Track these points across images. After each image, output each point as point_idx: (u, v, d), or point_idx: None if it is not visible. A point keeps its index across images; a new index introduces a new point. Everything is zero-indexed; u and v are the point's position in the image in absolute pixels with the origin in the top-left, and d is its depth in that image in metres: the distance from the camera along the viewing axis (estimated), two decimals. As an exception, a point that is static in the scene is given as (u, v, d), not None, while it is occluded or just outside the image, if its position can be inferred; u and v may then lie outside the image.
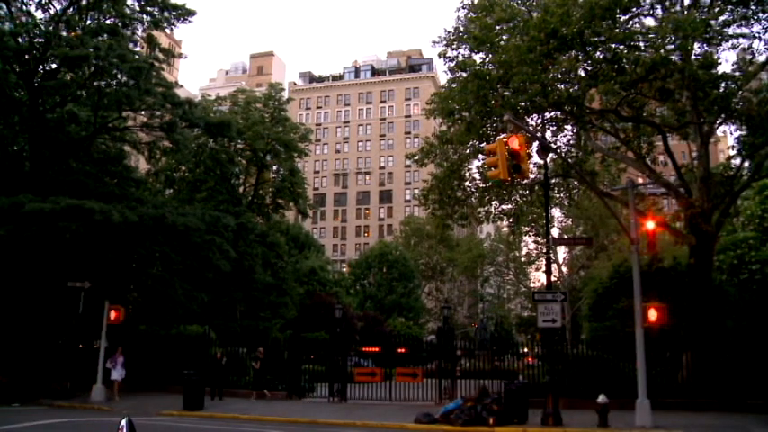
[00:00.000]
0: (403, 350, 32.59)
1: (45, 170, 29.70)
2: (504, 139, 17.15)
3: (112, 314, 25.35)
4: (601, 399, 18.55)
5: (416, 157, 29.64)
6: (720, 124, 24.75)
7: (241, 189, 49.98)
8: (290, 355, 29.57)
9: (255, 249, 43.40)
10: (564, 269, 59.85)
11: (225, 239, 32.64)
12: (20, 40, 28.75)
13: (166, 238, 29.89)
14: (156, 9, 33.28)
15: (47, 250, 26.59)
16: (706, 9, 22.27)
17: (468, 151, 27.08)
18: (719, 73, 21.65)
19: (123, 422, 1.93)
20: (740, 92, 22.31)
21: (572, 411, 20.91)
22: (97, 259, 28.07)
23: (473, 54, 25.15)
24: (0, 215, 25.18)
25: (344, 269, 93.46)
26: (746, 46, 22.48)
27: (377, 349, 35.20)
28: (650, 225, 20.24)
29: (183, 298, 31.85)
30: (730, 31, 21.93)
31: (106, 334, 25.42)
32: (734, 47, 22.48)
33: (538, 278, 73.95)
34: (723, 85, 21.62)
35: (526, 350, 32.16)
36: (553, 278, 24.15)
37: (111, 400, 24.58)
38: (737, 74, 22.69)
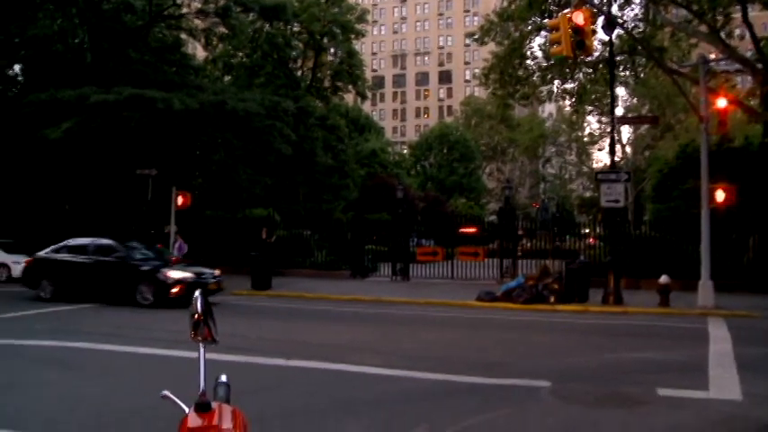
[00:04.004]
0: (465, 230, 32.78)
1: (105, 62, 29.99)
2: (568, 14, 16.40)
3: (180, 200, 26.02)
4: (663, 279, 18.48)
5: (476, 36, 28.75)
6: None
7: (299, 73, 49.69)
8: (352, 236, 30.08)
9: (315, 132, 43.58)
10: (628, 149, 58.57)
11: (285, 123, 32.79)
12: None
13: (227, 124, 30.18)
14: None
15: (114, 140, 27.23)
16: None
17: (529, 28, 26.11)
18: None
19: (197, 293, 2.04)
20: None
21: (633, 291, 20.94)
22: (162, 147, 28.67)
23: None
24: (67, 108, 25.75)
25: (405, 151, 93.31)
26: None
27: (436, 233, 35.55)
28: (722, 103, 19.36)
29: (247, 182, 32.47)
30: None
31: (175, 219, 26.21)
32: None
33: (600, 158, 72.76)
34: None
35: (587, 231, 31.99)
36: (617, 158, 23.57)
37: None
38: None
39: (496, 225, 31.66)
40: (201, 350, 2.13)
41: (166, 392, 2.16)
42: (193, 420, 1.84)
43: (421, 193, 62.21)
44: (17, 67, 33.27)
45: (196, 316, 2.14)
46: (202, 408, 1.87)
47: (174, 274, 17.76)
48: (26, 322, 14.50)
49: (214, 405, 1.93)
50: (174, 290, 17.34)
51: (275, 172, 37.33)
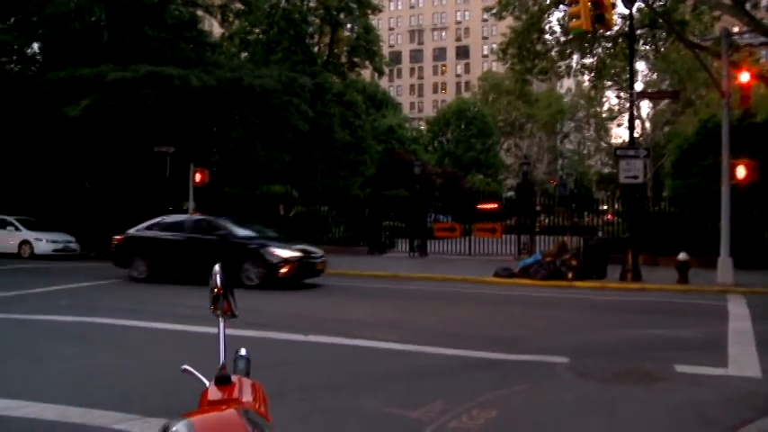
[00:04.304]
0: (482, 206, 32.75)
1: (122, 39, 30.01)
2: (587, -12, 16.19)
3: (197, 176, 26.13)
4: (681, 256, 18.37)
5: (494, 10, 28.41)
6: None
7: (316, 49, 49.47)
8: (370, 212, 30.15)
9: (333, 109, 43.50)
10: (647, 125, 57.97)
11: (302, 100, 32.75)
12: None
13: (245, 100, 30.20)
14: None
15: (132, 118, 27.35)
16: None
17: (548, 2, 25.77)
18: None
19: (216, 267, 2.06)
20: None
21: (651, 268, 20.85)
22: (180, 124, 28.76)
23: None
24: (85, 85, 25.87)
25: (422, 127, 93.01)
26: None
27: (453, 209, 35.53)
28: (744, 77, 19.04)
29: (265, 159, 32.53)
30: None
31: (193, 196, 26.35)
32: None
33: (619, 134, 72.15)
34: None
35: (606, 207, 31.85)
36: (636, 134, 23.36)
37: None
38: None
39: (514, 201, 31.58)
40: (221, 324, 2.15)
41: (187, 366, 2.19)
42: (214, 393, 1.87)
43: (438, 169, 62.08)
44: (35, 46, 33.37)
45: (216, 290, 2.16)
46: (222, 381, 1.90)
47: (283, 252, 16.78)
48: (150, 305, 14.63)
49: (234, 378, 1.95)
50: (283, 270, 16.49)
51: (293, 148, 37.36)
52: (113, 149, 28.80)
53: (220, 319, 2.17)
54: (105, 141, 28.36)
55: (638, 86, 49.98)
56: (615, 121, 64.63)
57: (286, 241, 18.40)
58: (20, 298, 14.54)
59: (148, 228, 18.70)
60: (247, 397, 1.88)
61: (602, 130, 70.89)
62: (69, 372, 7.98)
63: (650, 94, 41.12)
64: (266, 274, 16.44)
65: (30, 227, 26.18)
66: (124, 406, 6.35)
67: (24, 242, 25.54)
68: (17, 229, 25.88)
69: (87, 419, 5.99)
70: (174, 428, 1.36)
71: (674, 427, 6.08)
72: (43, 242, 25.56)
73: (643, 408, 6.69)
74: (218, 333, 2.13)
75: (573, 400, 6.90)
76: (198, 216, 19.41)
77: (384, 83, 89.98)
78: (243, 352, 2.28)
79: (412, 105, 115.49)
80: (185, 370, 2.19)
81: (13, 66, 32.87)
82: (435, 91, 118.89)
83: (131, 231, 18.95)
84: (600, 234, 24.14)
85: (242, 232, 17.87)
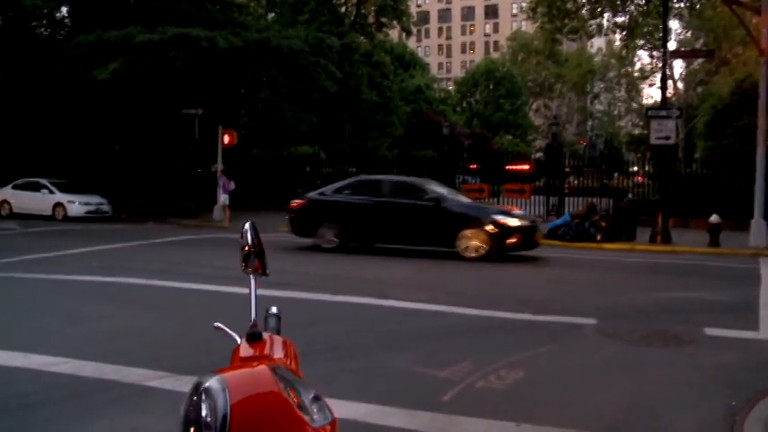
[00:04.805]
0: (512, 167, 32.53)
1: (149, 1, 29.97)
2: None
3: (226, 138, 26.24)
4: (713, 218, 18.14)
5: (524, -32, 27.95)
6: None
7: (343, 9, 49.03)
8: (398, 172, 30.10)
9: (360, 69, 43.26)
10: (680, 85, 56.84)
11: (330, 60, 32.60)
12: None
13: (272, 62, 30.12)
14: None
15: (160, 80, 27.45)
16: None
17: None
18: None
19: (247, 225, 2.08)
20: None
21: (682, 230, 20.65)
22: (208, 86, 28.82)
23: None
24: (113, 48, 25.96)
25: (450, 87, 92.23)
26: None
27: (476, 166, 35.36)
28: (785, 34, 18.55)
29: (292, 120, 32.56)
30: None
31: (221, 158, 26.49)
32: None
33: (651, 95, 71.14)
34: None
35: (636, 168, 31.46)
36: (668, 94, 22.95)
37: (231, 219, 25.96)
38: None
39: (543, 162, 31.34)
40: (252, 282, 2.18)
41: (219, 324, 2.23)
42: (245, 350, 1.90)
43: (467, 130, 61.70)
44: (64, 10, 33.50)
45: (247, 248, 2.18)
46: (254, 338, 1.93)
47: (511, 220, 15.02)
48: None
49: (265, 336, 1.98)
50: (512, 240, 14.79)
51: (320, 109, 37.32)
52: (142, 112, 29.00)
53: (251, 276, 2.19)
54: (134, 104, 28.54)
55: (672, 45, 49.07)
56: (647, 81, 63.45)
57: (501, 210, 16.77)
58: (55, 259, 14.82)
59: (337, 191, 16.93)
60: (278, 354, 1.91)
61: (634, 90, 69.74)
62: (104, 330, 8.15)
63: (684, 53, 40.20)
64: (492, 245, 14.73)
65: (63, 189, 26.54)
66: (157, 364, 6.48)
67: (58, 204, 25.92)
68: (51, 191, 26.25)
69: (122, 376, 6.14)
70: (206, 384, 1.39)
71: (701, 390, 6.07)
72: (76, 204, 25.92)
73: (671, 370, 6.69)
74: (250, 291, 2.15)
75: (600, 362, 6.91)
76: (398, 177, 18.38)
77: (412, 43, 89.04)
78: (273, 310, 2.31)
79: (440, 66, 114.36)
80: (217, 327, 2.22)
81: (42, 30, 33.09)
82: (464, 51, 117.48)
83: (312, 195, 17.49)
84: (630, 196, 23.89)
85: (453, 196, 16.27)
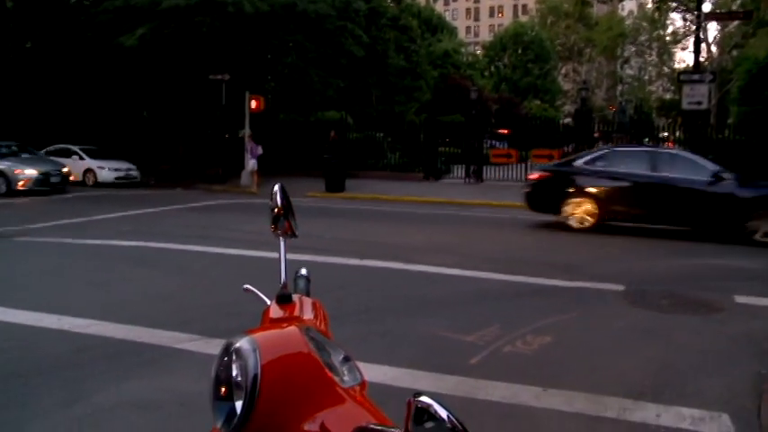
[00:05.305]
0: (539, 132, 32.22)
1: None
2: None
3: (253, 103, 26.25)
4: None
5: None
6: None
7: (370, -28, 48.51)
8: (425, 138, 29.97)
9: (387, 34, 42.89)
10: (714, 49, 55.51)
11: (357, 25, 32.36)
12: None
13: (298, 26, 29.94)
14: None
15: (186, 46, 27.41)
16: None
17: None
18: None
19: (276, 187, 2.08)
20: None
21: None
22: (234, 52, 28.75)
23: None
24: (140, 14, 25.96)
25: (478, 51, 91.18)
26: None
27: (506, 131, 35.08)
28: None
29: (319, 85, 32.43)
30: None
31: (249, 123, 26.53)
32: None
33: (683, 59, 69.84)
34: None
35: (666, 134, 30.95)
36: (701, 58, 22.46)
37: (259, 185, 26.05)
38: None
39: (572, 127, 30.99)
40: (282, 244, 2.18)
41: (248, 286, 2.24)
42: (275, 311, 1.90)
43: (494, 95, 61.13)
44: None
45: (276, 210, 2.17)
46: (284, 299, 1.93)
47: None
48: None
49: (295, 297, 1.98)
50: None
51: (347, 74, 37.12)
52: (170, 78, 29.06)
53: (281, 238, 2.20)
54: (161, 70, 28.60)
55: (706, 7, 47.82)
56: (679, 45, 62.02)
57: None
58: (86, 224, 15.04)
59: (589, 162, 14.85)
60: (308, 315, 1.92)
61: (665, 54, 68.37)
62: (134, 293, 8.28)
63: (720, 15, 39.23)
64: None
65: (93, 156, 26.81)
66: (186, 326, 6.58)
67: (88, 170, 26.20)
68: (81, 158, 26.52)
69: (152, 339, 6.24)
70: (236, 345, 1.40)
71: (730, 358, 6.02)
72: (106, 170, 26.19)
73: (699, 337, 6.64)
74: (280, 253, 2.16)
75: (628, 328, 6.89)
76: (668, 149, 17.11)
77: (439, 7, 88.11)
78: (303, 271, 2.31)
79: (468, 30, 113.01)
80: (247, 289, 2.24)
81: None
82: (492, 15, 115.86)
83: (550, 166, 16.24)
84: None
85: (729, 174, 13.54)
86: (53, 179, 22.67)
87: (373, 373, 4.68)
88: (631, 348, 6.24)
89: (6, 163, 22.37)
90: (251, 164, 25.23)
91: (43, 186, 22.17)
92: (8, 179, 21.92)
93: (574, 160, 15.45)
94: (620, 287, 8.54)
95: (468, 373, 5.38)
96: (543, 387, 5.07)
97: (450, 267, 9.82)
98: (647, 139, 29.15)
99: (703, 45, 44.93)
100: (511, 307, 7.71)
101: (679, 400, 4.87)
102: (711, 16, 28.23)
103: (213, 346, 5.66)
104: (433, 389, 4.97)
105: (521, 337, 6.37)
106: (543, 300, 8.05)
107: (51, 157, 25.08)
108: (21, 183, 21.86)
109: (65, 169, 23.57)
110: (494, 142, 33.86)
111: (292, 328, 1.52)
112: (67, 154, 26.54)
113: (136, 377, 5.30)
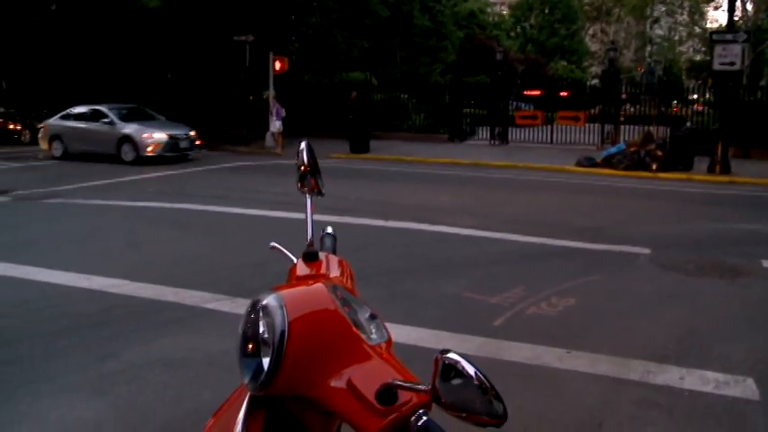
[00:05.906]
0: (565, 94, 31.83)
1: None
2: None
3: (277, 65, 26.14)
4: (777, 145, 17.52)
5: None
6: None
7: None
8: (450, 99, 29.73)
9: (413, -7, 42.36)
10: (749, 7, 54.10)
11: (381, -17, 32.03)
12: None
13: (322, -15, 29.75)
14: None
15: (210, 7, 27.29)
16: None
17: None
18: None
19: (303, 145, 2.08)
20: None
21: (743, 161, 19.99)
22: (258, 12, 28.56)
23: None
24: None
25: (504, 12, 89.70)
26: None
27: (536, 92, 34.68)
28: None
29: (344, 45, 32.22)
30: None
31: (273, 85, 26.45)
32: None
33: (716, 18, 68.20)
34: None
35: (696, 96, 30.39)
36: (735, 18, 21.89)
37: (284, 146, 26.06)
38: None
39: (599, 89, 30.53)
40: (308, 202, 2.18)
41: (275, 243, 2.26)
42: (301, 269, 1.92)
43: (520, 56, 60.23)
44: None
45: (302, 168, 2.18)
46: (310, 257, 1.94)
47: None
48: None
49: (321, 255, 2.00)
50: None
51: (372, 35, 36.79)
52: (193, 40, 28.98)
53: (307, 196, 2.20)
54: (185, 32, 28.52)
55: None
56: (712, 4, 60.49)
57: None
58: (112, 186, 15.20)
59: None
60: (334, 272, 1.93)
61: (697, 13, 66.61)
62: (162, 254, 8.39)
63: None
64: None
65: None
66: (214, 286, 6.67)
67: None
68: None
69: (180, 298, 6.34)
70: (264, 302, 1.41)
71: (756, 322, 5.99)
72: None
73: (725, 301, 6.60)
74: (306, 210, 2.16)
75: (653, 291, 6.86)
76: None
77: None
78: (329, 230, 2.33)
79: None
80: (273, 247, 2.25)
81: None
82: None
83: None
84: (688, 124, 23.16)
85: None
86: (182, 144, 20.97)
87: (398, 333, 4.70)
88: (657, 312, 6.22)
89: (133, 126, 20.74)
90: (276, 125, 25.20)
91: (173, 152, 20.53)
92: (136, 144, 20.26)
93: None
94: (646, 250, 8.49)
95: (493, 335, 5.42)
96: (567, 349, 5.09)
97: (474, 229, 9.82)
98: (675, 102, 28.68)
99: (738, 3, 43.73)
100: (535, 269, 7.70)
101: (703, 364, 4.87)
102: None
103: (240, 306, 5.74)
104: (457, 350, 4.99)
105: (545, 299, 6.38)
106: (568, 262, 8.03)
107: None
108: (150, 148, 20.21)
109: (192, 132, 21.71)
110: (519, 104, 33.46)
111: (319, 285, 1.53)
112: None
113: (164, 336, 5.40)
